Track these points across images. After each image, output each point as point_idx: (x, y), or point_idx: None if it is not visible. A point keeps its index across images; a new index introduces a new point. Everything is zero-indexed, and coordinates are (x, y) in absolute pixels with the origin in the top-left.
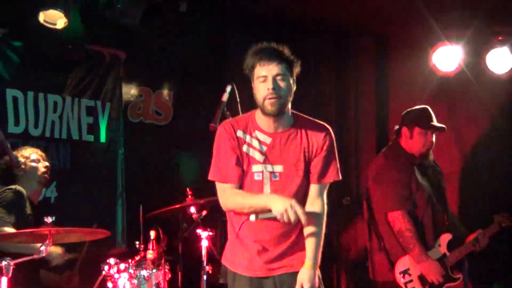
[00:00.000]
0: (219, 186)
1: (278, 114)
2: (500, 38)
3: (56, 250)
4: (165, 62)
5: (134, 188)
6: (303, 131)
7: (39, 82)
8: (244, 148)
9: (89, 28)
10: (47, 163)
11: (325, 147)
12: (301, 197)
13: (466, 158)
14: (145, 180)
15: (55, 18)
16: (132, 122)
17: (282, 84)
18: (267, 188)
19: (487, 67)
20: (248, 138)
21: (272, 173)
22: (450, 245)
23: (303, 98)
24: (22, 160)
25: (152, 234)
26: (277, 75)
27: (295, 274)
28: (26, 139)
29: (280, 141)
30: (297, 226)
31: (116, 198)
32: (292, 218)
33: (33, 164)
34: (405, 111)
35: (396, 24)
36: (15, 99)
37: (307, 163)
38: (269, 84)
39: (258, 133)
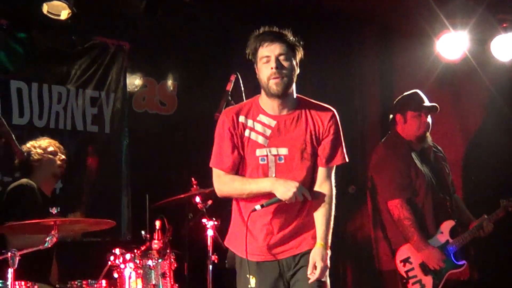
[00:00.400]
0: (214, 172)
1: (282, 95)
2: (504, 25)
3: None
4: (169, 52)
5: (139, 179)
6: (309, 114)
7: (43, 74)
8: (246, 133)
9: (93, 18)
10: (63, 156)
11: (332, 130)
12: (309, 180)
13: (470, 144)
14: (150, 170)
15: (58, 9)
16: (137, 113)
17: (285, 63)
18: (272, 171)
19: (491, 54)
20: (250, 122)
21: (276, 156)
22: (454, 232)
23: (307, 88)
24: (39, 151)
25: (158, 224)
26: (280, 54)
27: (299, 256)
28: (30, 131)
29: (285, 124)
30: (302, 209)
31: (121, 189)
32: (301, 198)
33: (50, 156)
34: (396, 99)
35: (401, 12)
36: (19, 91)
37: (314, 146)
38: (272, 64)
39: (262, 117)
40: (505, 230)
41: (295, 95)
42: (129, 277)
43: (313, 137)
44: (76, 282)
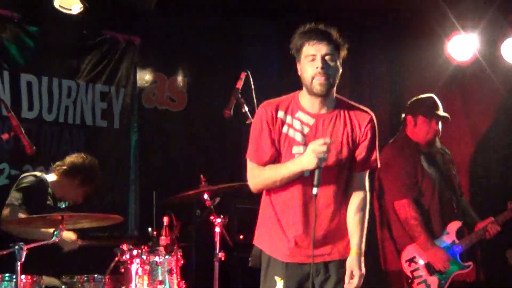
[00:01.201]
0: (249, 165)
1: (325, 95)
2: None
3: (69, 236)
4: (180, 48)
5: (147, 174)
6: (347, 115)
7: (54, 67)
8: (284, 129)
9: (104, 13)
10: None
11: (369, 134)
12: (343, 182)
13: (479, 146)
14: (158, 167)
15: (70, 3)
16: (146, 108)
17: (331, 63)
18: (307, 171)
19: (502, 56)
20: (289, 119)
21: None
22: (460, 233)
23: None
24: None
25: (165, 220)
26: (326, 54)
27: (331, 264)
28: (40, 124)
29: (323, 123)
30: (336, 213)
31: (129, 184)
32: (325, 153)
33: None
34: (410, 100)
35: (412, 13)
36: (29, 84)
37: (350, 149)
38: (318, 63)
39: (301, 114)
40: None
41: (334, 94)
42: (136, 273)
43: (350, 139)
44: (82, 277)
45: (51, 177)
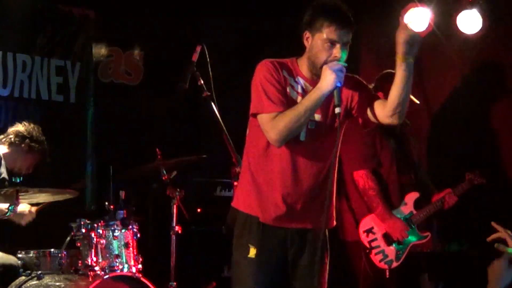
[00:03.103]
0: (267, 117)
1: None
2: (470, 0)
3: (24, 209)
4: (135, 21)
5: (104, 149)
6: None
7: (8, 42)
8: (288, 89)
9: None
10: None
11: (362, 84)
12: (336, 150)
13: (435, 118)
14: (115, 141)
15: None
16: (102, 82)
17: (346, 53)
18: (302, 135)
19: (457, 28)
20: (291, 80)
21: (309, 120)
22: (418, 204)
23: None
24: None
25: (121, 194)
26: (346, 43)
27: (309, 233)
28: None
29: None
30: (328, 180)
31: (86, 159)
32: (341, 70)
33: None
34: (380, 74)
35: None
36: None
37: (346, 114)
38: (338, 53)
39: (299, 79)
40: (469, 203)
41: None
42: (92, 247)
43: (346, 104)
44: (38, 252)
45: (2, 149)
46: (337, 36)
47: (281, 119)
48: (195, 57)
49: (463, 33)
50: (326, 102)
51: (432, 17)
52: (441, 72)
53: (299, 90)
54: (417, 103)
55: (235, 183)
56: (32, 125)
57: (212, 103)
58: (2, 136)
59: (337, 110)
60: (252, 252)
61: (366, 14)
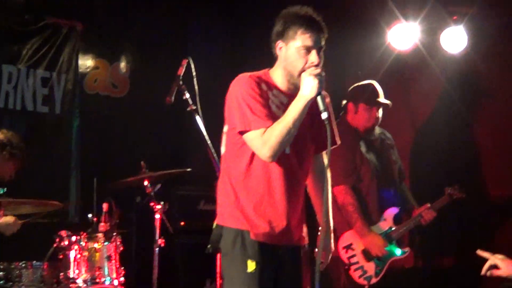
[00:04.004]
0: (256, 134)
1: None
2: (454, 17)
3: (7, 220)
4: (122, 34)
5: (88, 161)
6: None
7: None
8: (269, 102)
9: None
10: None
11: (330, 109)
12: (329, 158)
13: (419, 133)
14: (100, 153)
15: None
16: (88, 94)
17: (322, 58)
18: (287, 148)
19: (441, 46)
20: (271, 93)
21: None
22: (397, 219)
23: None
24: None
25: (105, 206)
26: (321, 48)
27: (298, 249)
28: None
29: None
30: (301, 201)
31: (70, 170)
32: (322, 75)
33: None
34: (351, 87)
35: (353, 1)
36: None
37: (316, 127)
38: (315, 58)
39: (275, 91)
40: (450, 218)
41: None
42: (74, 259)
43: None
44: (20, 263)
45: None
46: (312, 42)
47: (272, 134)
48: (181, 71)
49: (448, 50)
50: None
51: (417, 34)
52: (425, 89)
53: (278, 103)
54: (389, 106)
55: None
56: (10, 133)
57: (197, 117)
58: None
59: (324, 115)
60: (251, 267)
61: (352, 31)
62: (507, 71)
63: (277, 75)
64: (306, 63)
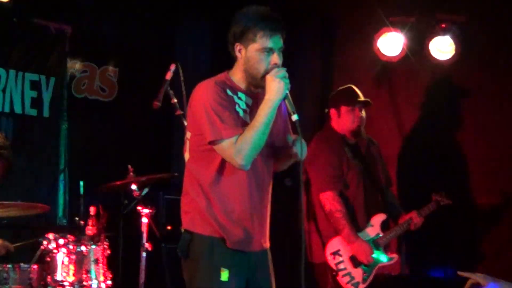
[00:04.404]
0: (229, 143)
1: None
2: (443, 25)
3: None
4: (111, 38)
5: (76, 164)
6: None
7: None
8: (237, 107)
9: (35, 1)
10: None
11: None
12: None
13: (406, 141)
14: (87, 156)
15: None
16: (76, 98)
17: (281, 58)
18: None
19: (430, 53)
20: (236, 98)
21: None
22: (384, 226)
23: None
24: None
25: (92, 210)
26: (281, 48)
27: (266, 252)
28: None
29: (259, 103)
30: (269, 205)
31: (58, 173)
32: (286, 76)
33: None
34: (331, 94)
35: (342, 8)
36: None
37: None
38: (277, 59)
39: (240, 94)
40: (437, 225)
41: None
42: (62, 262)
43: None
44: (8, 266)
45: None
46: (273, 43)
47: (244, 142)
48: (169, 75)
49: (436, 58)
50: None
51: (405, 42)
52: (413, 96)
53: (244, 106)
54: (370, 103)
55: None
56: None
57: (185, 122)
58: None
59: (294, 117)
60: (225, 275)
61: (340, 39)
62: (495, 79)
63: (239, 78)
64: (268, 64)
